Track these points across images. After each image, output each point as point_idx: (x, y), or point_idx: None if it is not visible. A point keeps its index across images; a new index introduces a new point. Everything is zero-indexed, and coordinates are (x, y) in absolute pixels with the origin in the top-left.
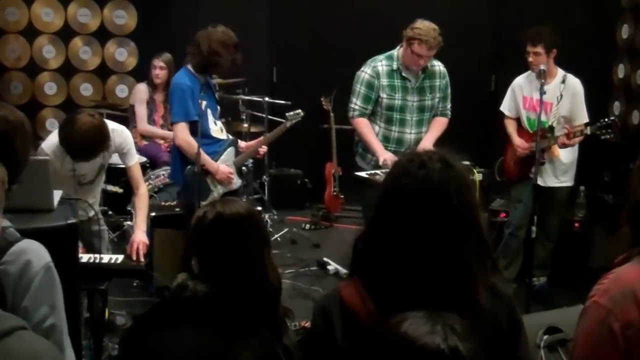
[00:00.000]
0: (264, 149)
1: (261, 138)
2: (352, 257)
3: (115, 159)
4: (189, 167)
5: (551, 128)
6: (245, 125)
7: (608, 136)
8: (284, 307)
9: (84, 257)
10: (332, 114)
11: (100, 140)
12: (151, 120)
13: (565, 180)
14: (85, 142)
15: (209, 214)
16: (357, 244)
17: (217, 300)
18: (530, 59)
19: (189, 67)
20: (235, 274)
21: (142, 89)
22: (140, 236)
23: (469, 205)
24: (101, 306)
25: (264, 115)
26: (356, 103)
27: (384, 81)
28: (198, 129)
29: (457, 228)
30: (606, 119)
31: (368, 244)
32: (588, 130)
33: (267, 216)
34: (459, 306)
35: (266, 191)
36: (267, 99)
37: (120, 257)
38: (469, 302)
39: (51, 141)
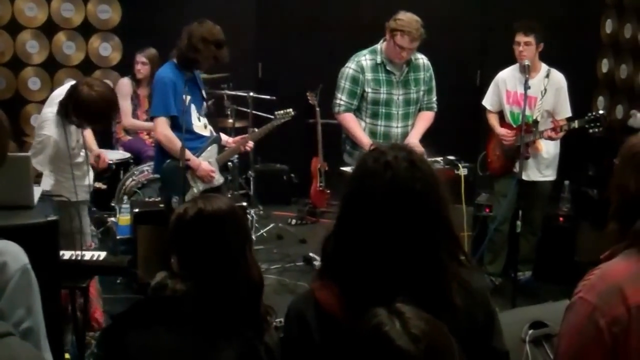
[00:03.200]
0: (250, 145)
1: (246, 135)
2: (322, 258)
3: None
4: (168, 161)
5: (536, 122)
6: (230, 120)
7: (596, 130)
8: (266, 305)
9: (65, 255)
10: (318, 109)
11: (115, 103)
12: (135, 116)
13: (549, 175)
14: (106, 102)
15: (189, 211)
16: (326, 245)
17: (197, 299)
18: (521, 49)
19: (175, 61)
20: (217, 272)
21: (125, 83)
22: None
23: (436, 203)
24: (83, 304)
25: (249, 111)
26: (341, 98)
27: (369, 75)
28: (182, 125)
29: (425, 226)
30: (594, 113)
31: (337, 245)
32: (576, 124)
33: (252, 211)
34: (434, 305)
35: (252, 186)
36: (252, 94)
37: (102, 254)
38: (443, 301)
39: (49, 122)
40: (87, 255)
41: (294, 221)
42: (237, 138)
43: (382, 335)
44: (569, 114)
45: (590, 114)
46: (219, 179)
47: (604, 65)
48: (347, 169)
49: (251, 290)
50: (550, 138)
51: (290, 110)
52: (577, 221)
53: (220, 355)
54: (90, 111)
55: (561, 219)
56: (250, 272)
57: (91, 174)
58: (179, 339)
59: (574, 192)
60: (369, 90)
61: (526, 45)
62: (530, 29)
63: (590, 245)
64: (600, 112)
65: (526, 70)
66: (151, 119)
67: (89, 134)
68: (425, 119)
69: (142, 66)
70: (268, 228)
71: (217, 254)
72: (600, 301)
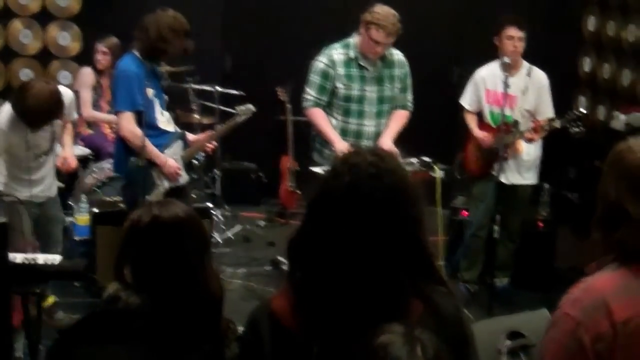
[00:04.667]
0: (213, 144)
1: (211, 132)
2: (288, 263)
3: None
4: (132, 158)
5: (516, 122)
6: (196, 116)
7: (577, 129)
8: (227, 319)
9: (18, 258)
10: (288, 105)
11: (56, 105)
12: (97, 106)
13: (529, 178)
14: (42, 108)
15: (144, 218)
16: (290, 249)
17: (153, 313)
18: (516, 44)
19: (136, 52)
20: (173, 283)
21: (87, 72)
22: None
23: (402, 217)
24: (37, 310)
25: (215, 106)
26: (310, 93)
27: (340, 70)
28: (143, 120)
29: (386, 241)
30: (576, 111)
31: (296, 250)
32: (557, 124)
33: (219, 212)
34: (388, 321)
35: (218, 186)
36: (218, 88)
37: (57, 258)
38: (400, 320)
39: (3, 114)
40: (41, 259)
41: (262, 223)
42: (201, 136)
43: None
44: (551, 114)
45: (571, 113)
46: (184, 177)
47: (586, 64)
48: (317, 168)
49: (211, 303)
50: (530, 140)
51: (250, 105)
52: (556, 226)
53: None
54: (26, 114)
55: (540, 223)
56: (209, 283)
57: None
58: (133, 356)
59: (553, 196)
60: (341, 86)
61: (520, 41)
62: (523, 23)
63: (569, 251)
64: (582, 110)
65: (506, 68)
66: (115, 114)
67: (68, 132)
68: (399, 119)
69: (102, 56)
70: (235, 230)
71: (174, 265)
72: (585, 317)
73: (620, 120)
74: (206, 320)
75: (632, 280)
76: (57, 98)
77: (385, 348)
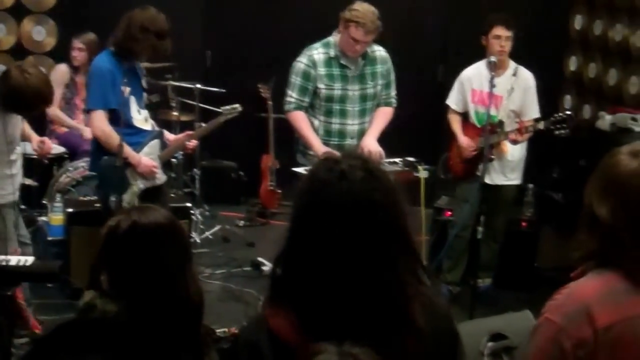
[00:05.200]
0: (193, 143)
1: (190, 132)
2: (272, 281)
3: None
4: (105, 157)
5: (501, 123)
6: (175, 113)
7: (562, 131)
8: (206, 327)
9: None
10: (270, 103)
11: (50, 86)
12: (72, 104)
13: (514, 179)
14: (43, 89)
15: (122, 223)
16: (277, 266)
17: (130, 321)
18: (503, 44)
19: (112, 49)
20: (152, 291)
21: (61, 70)
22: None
23: (396, 216)
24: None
25: (195, 103)
26: (292, 95)
27: (322, 70)
28: (120, 118)
29: (384, 242)
30: (561, 114)
31: (289, 265)
32: (542, 125)
33: (197, 212)
34: (397, 329)
35: (197, 185)
36: (199, 85)
37: (29, 259)
38: (406, 324)
39: None
40: (13, 260)
41: (242, 222)
42: (180, 135)
43: None
44: (537, 114)
45: (556, 115)
46: (161, 177)
47: (572, 63)
48: (300, 169)
49: (190, 311)
50: (514, 141)
51: (238, 106)
52: (540, 226)
53: None
54: (25, 97)
55: (524, 224)
56: (189, 291)
57: (21, 172)
58: None
59: (537, 195)
60: (322, 86)
61: (508, 40)
62: (511, 23)
63: (552, 252)
64: (567, 112)
65: (492, 67)
66: (87, 112)
67: (26, 123)
68: (383, 116)
69: (78, 52)
70: (214, 230)
71: (153, 272)
72: (566, 322)
73: (605, 120)
74: (185, 329)
75: (615, 285)
76: (48, 78)
77: None
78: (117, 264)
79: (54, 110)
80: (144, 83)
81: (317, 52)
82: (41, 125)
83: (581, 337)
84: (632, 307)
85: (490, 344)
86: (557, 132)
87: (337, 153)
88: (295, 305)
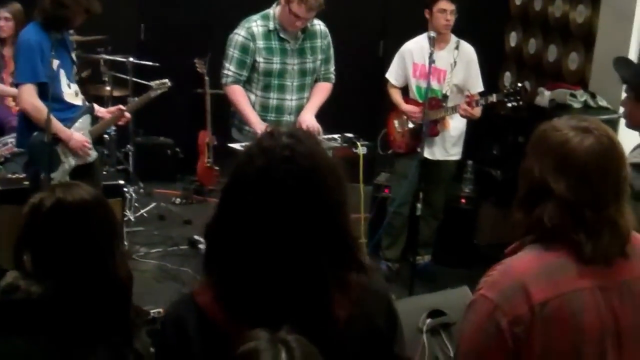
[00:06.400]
0: (127, 117)
1: (121, 106)
2: (205, 254)
3: None
4: (35, 133)
5: (445, 97)
6: (108, 88)
7: (515, 104)
8: (136, 307)
9: None
10: (207, 78)
11: None
12: None
13: (454, 154)
14: None
15: (46, 201)
16: (207, 237)
17: (55, 302)
18: (448, 17)
19: (40, 21)
20: (79, 271)
21: None
22: None
23: (319, 202)
24: None
25: (128, 78)
26: (229, 68)
27: (260, 43)
28: (48, 92)
29: (303, 226)
30: (514, 86)
31: (214, 240)
32: (494, 98)
33: (132, 189)
34: (313, 315)
35: (131, 162)
36: (132, 59)
37: None
38: (323, 313)
39: None
40: None
41: (178, 200)
42: (112, 109)
43: None
44: (481, 88)
45: (509, 87)
46: (93, 153)
47: (512, 39)
48: (236, 145)
49: (119, 292)
50: (466, 115)
51: (167, 81)
52: (479, 203)
53: None
54: None
55: (463, 200)
56: (118, 271)
57: None
58: (33, 348)
59: (477, 172)
60: (261, 59)
61: (452, 14)
62: None
63: (491, 228)
64: (520, 84)
65: (431, 43)
66: (16, 86)
67: None
68: (322, 91)
69: (5, 22)
70: (149, 208)
71: (79, 251)
72: (502, 299)
73: (544, 96)
74: (114, 309)
75: (551, 261)
76: None
77: (250, 356)
78: (41, 243)
79: None
80: (73, 56)
81: (255, 24)
82: None
83: (517, 314)
84: (568, 282)
85: (428, 320)
86: (510, 105)
87: (278, 129)
88: (220, 282)
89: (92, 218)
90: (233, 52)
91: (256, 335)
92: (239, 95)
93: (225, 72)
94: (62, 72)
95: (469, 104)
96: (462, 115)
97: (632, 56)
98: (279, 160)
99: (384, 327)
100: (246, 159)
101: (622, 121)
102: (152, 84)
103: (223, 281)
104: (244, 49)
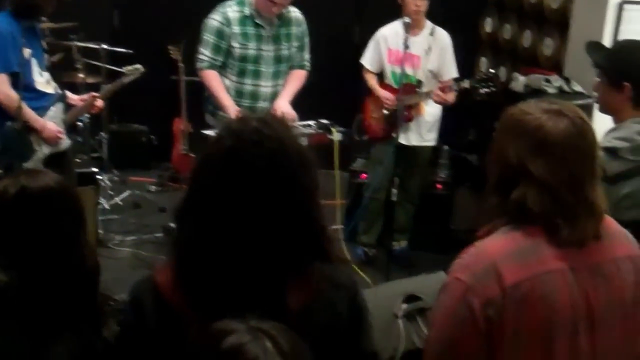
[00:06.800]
0: (100, 104)
1: (94, 93)
2: (175, 236)
3: None
4: (8, 123)
5: (420, 83)
6: (81, 75)
7: (488, 90)
8: (104, 295)
9: None
10: (181, 65)
11: None
12: None
13: (430, 139)
14: None
15: (10, 189)
16: (176, 220)
17: (21, 291)
18: (418, 4)
19: (10, 9)
20: (44, 259)
21: None
22: None
23: (287, 186)
24: None
25: (101, 65)
26: (204, 53)
27: (236, 29)
28: (20, 82)
29: (269, 212)
30: (486, 72)
31: (182, 221)
32: (467, 84)
33: (106, 177)
34: (265, 305)
35: (105, 149)
36: (105, 46)
37: None
38: (275, 301)
39: None
40: None
41: (153, 188)
42: (85, 96)
43: (243, 357)
44: (455, 74)
45: (481, 73)
46: (66, 141)
47: (488, 24)
48: (210, 131)
49: (86, 280)
50: (440, 100)
51: (140, 66)
52: (455, 188)
53: (49, 355)
54: None
55: (439, 186)
56: (84, 258)
57: None
58: (1, 337)
59: (452, 157)
60: (236, 45)
61: (422, 0)
62: None
63: (467, 213)
64: (492, 70)
65: (406, 29)
66: None
67: None
68: (296, 79)
69: None
70: (124, 195)
71: (44, 239)
72: (475, 281)
73: (519, 81)
74: (81, 297)
75: (524, 243)
76: None
77: (238, 350)
78: (6, 231)
79: None
80: (44, 44)
81: (231, 9)
82: None
83: (489, 296)
84: (540, 264)
85: (404, 305)
86: (482, 91)
87: (249, 114)
88: (179, 263)
89: (57, 205)
90: (208, 37)
91: (230, 327)
92: (213, 80)
93: (201, 57)
94: (33, 61)
95: (442, 89)
96: (435, 101)
97: (606, 42)
98: (248, 142)
99: (347, 320)
100: (215, 141)
101: (597, 106)
102: (124, 69)
103: (182, 262)
104: (220, 34)
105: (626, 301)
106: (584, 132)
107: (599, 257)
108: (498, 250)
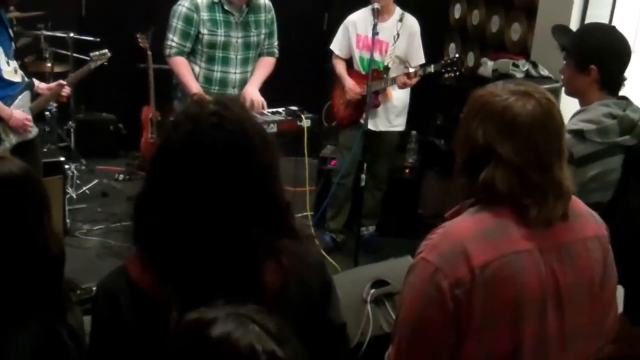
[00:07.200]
0: (67, 91)
1: (61, 81)
2: (134, 225)
3: None
4: None
5: (387, 69)
6: (49, 64)
7: (452, 74)
8: (69, 281)
9: None
10: (149, 53)
11: None
12: None
13: (398, 125)
14: None
15: None
16: (136, 208)
17: None
18: None
19: None
20: (7, 246)
21: None
22: None
23: (248, 167)
24: None
25: (68, 53)
26: (173, 40)
27: (204, 15)
28: None
29: (232, 192)
30: (451, 57)
31: (144, 209)
32: (432, 68)
33: (74, 166)
34: (244, 285)
35: (73, 138)
36: (72, 34)
37: None
38: (254, 281)
39: None
40: None
41: (121, 176)
42: (52, 84)
43: (236, 345)
44: (422, 60)
45: (446, 58)
46: (33, 130)
47: (457, 11)
48: None
49: (50, 266)
50: (404, 85)
51: (106, 51)
52: (422, 173)
53: (13, 343)
54: None
55: (407, 170)
56: (49, 245)
57: None
58: None
59: (420, 142)
60: (205, 31)
61: None
62: None
63: (435, 198)
64: (456, 55)
65: (375, 15)
66: None
67: None
68: (265, 65)
69: None
70: (91, 184)
71: (8, 226)
72: (443, 262)
73: (487, 66)
74: (45, 283)
75: (491, 223)
76: None
77: (227, 339)
78: None
79: None
80: (11, 33)
81: None
82: None
83: (458, 276)
84: (508, 244)
85: (372, 290)
86: (447, 75)
87: (208, 97)
88: (149, 253)
89: (19, 191)
90: (177, 23)
91: (208, 315)
92: (182, 66)
93: (169, 43)
94: (0, 50)
95: (407, 76)
96: (399, 87)
97: (573, 26)
98: (207, 126)
99: (318, 294)
100: (173, 127)
101: (564, 89)
102: (91, 54)
103: (152, 251)
104: (188, 20)
105: (594, 280)
106: (551, 113)
107: (567, 237)
108: (466, 231)
